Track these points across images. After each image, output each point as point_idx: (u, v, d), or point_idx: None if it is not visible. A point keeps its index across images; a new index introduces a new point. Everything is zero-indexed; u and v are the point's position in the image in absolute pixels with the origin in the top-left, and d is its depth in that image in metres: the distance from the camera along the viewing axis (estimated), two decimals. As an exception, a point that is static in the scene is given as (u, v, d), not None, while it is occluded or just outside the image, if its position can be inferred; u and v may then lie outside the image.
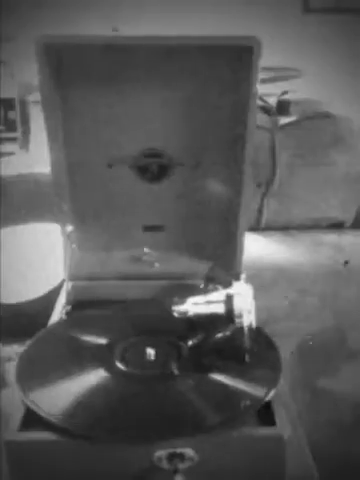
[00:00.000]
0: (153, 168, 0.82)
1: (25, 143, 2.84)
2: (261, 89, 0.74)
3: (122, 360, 0.66)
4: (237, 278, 0.71)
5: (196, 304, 0.69)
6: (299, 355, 0.99)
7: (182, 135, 0.80)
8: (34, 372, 0.64)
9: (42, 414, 0.56)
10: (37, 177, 1.29)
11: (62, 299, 0.80)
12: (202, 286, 0.78)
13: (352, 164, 1.53)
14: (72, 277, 0.81)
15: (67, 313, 0.78)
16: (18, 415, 0.58)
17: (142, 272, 0.85)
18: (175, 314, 0.70)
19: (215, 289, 0.71)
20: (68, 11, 2.72)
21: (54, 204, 0.81)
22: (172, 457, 0.55)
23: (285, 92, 1.63)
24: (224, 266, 0.83)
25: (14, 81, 2.81)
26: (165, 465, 0.55)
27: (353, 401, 0.91)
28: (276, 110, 1.55)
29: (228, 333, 0.68)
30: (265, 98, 1.55)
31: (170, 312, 0.70)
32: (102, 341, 0.70)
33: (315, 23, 2.96)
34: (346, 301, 1.18)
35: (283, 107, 1.56)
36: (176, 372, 0.64)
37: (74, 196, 0.82)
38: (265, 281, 1.22)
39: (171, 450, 0.55)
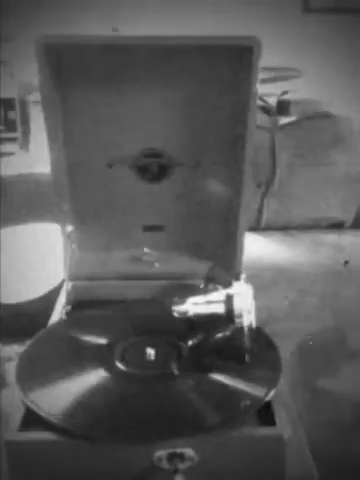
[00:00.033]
0: (153, 168, 0.82)
1: (25, 143, 2.84)
2: (261, 89, 0.74)
3: (122, 360, 0.66)
4: (237, 278, 0.71)
5: (196, 304, 0.69)
6: (299, 355, 0.99)
7: (182, 135, 0.80)
8: (34, 372, 0.64)
9: (42, 414, 0.56)
10: (37, 177, 1.29)
11: (62, 299, 0.80)
12: (202, 286, 0.78)
13: (352, 164, 1.53)
14: (72, 277, 0.81)
15: (67, 313, 0.78)
16: (18, 415, 0.58)
17: (142, 272, 0.85)
18: (175, 314, 0.70)
19: (215, 289, 0.71)
20: (68, 11, 2.72)
21: (54, 204, 0.81)
22: (172, 457, 0.55)
23: (285, 92, 1.63)
24: (224, 266, 0.83)
25: (14, 81, 2.81)
26: (165, 465, 0.55)
27: (353, 401, 0.91)
28: (276, 110, 1.55)
29: (228, 333, 0.68)
30: (265, 98, 1.55)
31: (170, 312, 0.70)
32: (102, 341, 0.70)
33: (315, 23, 2.96)
34: (346, 301, 1.18)
35: (283, 107, 1.56)
36: (176, 372, 0.64)
37: (74, 196, 0.82)
38: (265, 281, 1.22)
39: (171, 450, 0.55)
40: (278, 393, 0.60)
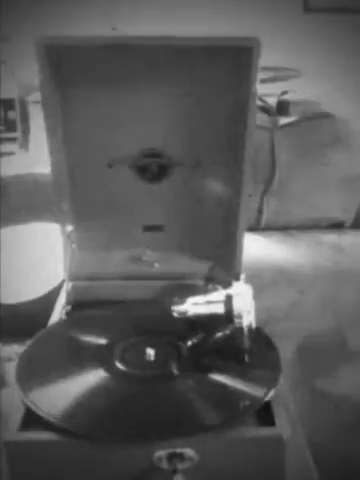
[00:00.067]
0: (153, 168, 0.82)
1: (25, 143, 2.83)
2: (261, 89, 0.74)
3: (122, 360, 0.66)
4: (237, 278, 0.71)
5: (196, 304, 0.69)
6: (299, 355, 0.99)
7: (182, 135, 0.80)
8: (34, 372, 0.64)
9: (42, 414, 0.56)
10: (36, 177, 1.29)
11: (62, 299, 0.80)
12: (202, 286, 0.78)
13: (352, 164, 1.53)
14: (72, 277, 0.81)
15: (67, 313, 0.78)
16: (18, 415, 0.58)
17: (142, 272, 0.85)
18: (175, 314, 0.70)
19: (215, 289, 0.71)
20: (66, 10, 2.72)
21: (54, 204, 0.81)
22: (172, 457, 0.55)
23: (285, 92, 1.63)
24: (224, 266, 0.83)
25: (14, 81, 2.81)
26: (165, 465, 0.55)
27: (353, 401, 0.91)
28: (276, 110, 1.55)
29: (228, 333, 0.68)
30: (265, 98, 1.55)
31: (170, 312, 0.70)
32: (102, 341, 0.70)
33: (315, 23, 2.96)
34: (346, 301, 1.18)
35: (283, 107, 1.56)
36: (176, 372, 0.64)
37: (74, 196, 0.82)
38: (265, 281, 1.22)
39: (171, 450, 0.55)
40: (278, 393, 0.60)
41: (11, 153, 2.55)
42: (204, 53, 0.72)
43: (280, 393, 0.60)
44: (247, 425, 0.57)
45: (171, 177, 0.83)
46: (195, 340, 0.70)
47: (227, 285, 0.69)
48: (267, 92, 1.52)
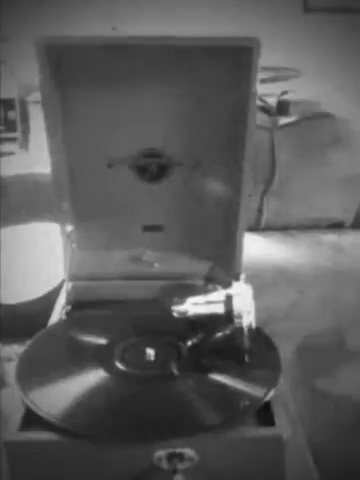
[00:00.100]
0: (152, 168, 0.82)
1: (25, 143, 2.83)
2: (261, 89, 0.74)
3: (122, 360, 0.66)
4: (237, 278, 0.71)
5: (196, 304, 0.69)
6: (299, 355, 0.99)
7: (182, 135, 0.80)
8: (34, 372, 0.64)
9: (42, 414, 0.56)
10: (36, 177, 1.29)
11: (62, 299, 0.80)
12: (202, 286, 0.78)
13: (352, 164, 1.53)
14: (72, 277, 0.81)
15: (67, 313, 0.78)
16: (18, 415, 0.58)
17: (142, 272, 0.85)
18: (175, 314, 0.70)
19: (215, 289, 0.71)
20: (67, 9, 2.72)
21: (54, 204, 0.81)
22: (172, 457, 0.55)
23: (285, 92, 1.63)
24: (224, 266, 0.83)
25: (14, 81, 2.81)
26: (165, 465, 0.55)
27: (353, 401, 0.91)
28: (276, 110, 1.55)
29: (228, 333, 0.68)
30: (265, 98, 1.55)
31: (170, 312, 0.70)
32: (102, 341, 0.70)
33: (315, 23, 2.96)
34: (346, 301, 1.18)
35: (283, 107, 1.56)
36: (176, 372, 0.64)
37: (74, 196, 0.82)
38: (265, 281, 1.22)
39: (171, 450, 0.55)
40: (278, 393, 0.60)
41: (11, 153, 2.55)
42: (204, 53, 0.72)
43: (280, 393, 0.60)
44: (247, 425, 0.57)
45: (171, 177, 0.83)
46: (195, 340, 0.70)
47: (227, 285, 0.69)
48: (267, 92, 1.52)
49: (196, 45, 0.70)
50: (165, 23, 2.54)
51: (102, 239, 0.85)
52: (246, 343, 0.64)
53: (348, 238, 1.51)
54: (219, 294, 0.69)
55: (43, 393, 0.60)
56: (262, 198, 1.51)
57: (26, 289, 1.02)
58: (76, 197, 0.82)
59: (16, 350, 0.85)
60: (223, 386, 0.62)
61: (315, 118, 1.53)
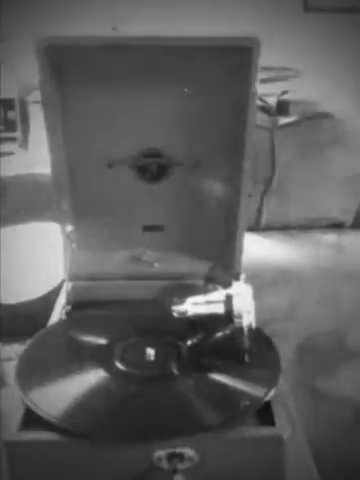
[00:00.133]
0: (152, 168, 0.82)
1: (25, 143, 2.83)
2: (261, 89, 0.74)
3: (122, 360, 0.66)
4: (237, 278, 0.71)
5: (196, 304, 0.69)
6: (299, 355, 0.99)
7: (181, 135, 0.80)
8: (34, 372, 0.64)
9: (42, 414, 0.56)
10: (36, 177, 1.29)
11: (62, 299, 0.80)
12: (202, 286, 0.78)
13: (352, 164, 1.53)
14: (72, 277, 0.81)
15: (67, 313, 0.78)
16: (18, 415, 0.58)
17: (142, 272, 0.85)
18: (175, 314, 0.70)
19: (215, 289, 0.71)
20: (67, 9, 2.72)
21: (54, 203, 0.81)
22: (171, 457, 0.55)
23: (285, 92, 1.63)
24: (224, 266, 0.83)
25: (14, 81, 2.81)
26: (164, 465, 0.55)
27: (353, 401, 0.91)
28: (276, 110, 1.55)
29: (228, 333, 0.68)
30: (265, 98, 1.55)
31: (170, 312, 0.70)
32: (102, 341, 0.70)
33: (315, 22, 2.96)
34: (346, 301, 1.18)
35: (283, 107, 1.56)
36: (176, 372, 0.64)
37: (74, 196, 0.82)
38: (265, 281, 1.22)
39: (170, 450, 0.55)
40: (278, 393, 0.60)
41: (11, 153, 2.55)
42: (204, 53, 0.72)
43: (280, 393, 0.60)
44: (247, 425, 0.57)
45: (171, 177, 0.83)
46: (195, 340, 0.70)
47: (227, 285, 0.69)
48: (267, 92, 1.52)
49: (196, 45, 0.70)
50: (165, 23, 2.54)
51: (102, 239, 0.85)
52: (246, 343, 0.64)
53: (348, 238, 1.51)
54: (219, 294, 0.69)
55: (43, 393, 0.60)
56: (262, 198, 1.51)
57: (26, 289, 1.01)
58: (76, 197, 0.82)
59: (16, 350, 0.85)
60: (223, 386, 0.62)
61: (315, 118, 1.53)
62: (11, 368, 0.73)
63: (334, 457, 0.80)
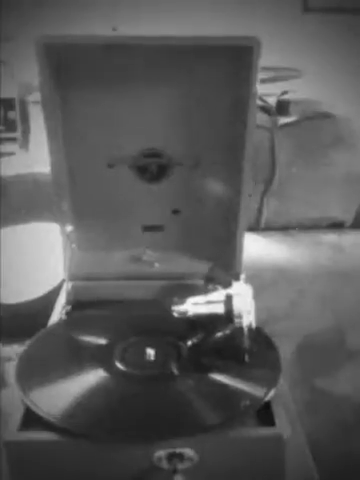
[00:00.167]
0: (153, 168, 0.82)
1: (25, 143, 2.84)
2: (261, 89, 0.74)
3: (122, 360, 0.66)
4: (237, 278, 0.71)
5: (196, 304, 0.69)
6: (299, 355, 0.99)
7: (181, 135, 0.80)
8: (34, 372, 0.64)
9: (42, 414, 0.56)
10: (36, 177, 1.29)
11: (62, 299, 0.80)
12: (202, 286, 0.78)
13: (352, 164, 1.53)
14: (72, 277, 0.81)
15: (67, 313, 0.78)
16: (18, 415, 0.58)
17: (142, 272, 0.85)
18: (175, 314, 0.70)
19: (215, 289, 0.71)
20: (67, 10, 2.72)
21: (54, 204, 0.81)
22: (172, 457, 0.55)
23: (285, 92, 1.63)
24: (224, 266, 0.83)
25: (14, 81, 2.81)
26: (165, 465, 0.55)
27: (353, 401, 0.91)
28: (276, 110, 1.55)
29: (228, 333, 0.68)
30: (265, 98, 1.55)
31: (170, 312, 0.70)
32: (102, 341, 0.70)
33: (315, 23, 2.96)
34: (346, 301, 1.18)
35: (283, 107, 1.56)
36: (176, 372, 0.64)
37: (74, 196, 0.82)
38: (265, 281, 1.22)
39: (171, 450, 0.55)
40: (278, 393, 0.60)
41: (11, 153, 2.55)
42: (204, 53, 0.72)
43: (280, 393, 0.60)
44: (247, 425, 0.57)
45: (171, 177, 0.83)
46: (195, 340, 0.70)
47: (227, 285, 0.69)
48: (267, 92, 1.52)
49: (196, 45, 0.70)
50: (165, 24, 2.54)
51: (102, 239, 0.85)
52: (246, 343, 0.64)
53: (348, 238, 1.51)
54: (219, 294, 0.69)
55: (43, 393, 0.60)
56: (262, 198, 1.51)
57: (26, 289, 1.01)
58: (76, 197, 0.82)
59: (16, 350, 0.85)
60: (223, 386, 0.62)
61: (315, 118, 1.53)
62: (11, 368, 0.73)
63: (334, 457, 0.80)
